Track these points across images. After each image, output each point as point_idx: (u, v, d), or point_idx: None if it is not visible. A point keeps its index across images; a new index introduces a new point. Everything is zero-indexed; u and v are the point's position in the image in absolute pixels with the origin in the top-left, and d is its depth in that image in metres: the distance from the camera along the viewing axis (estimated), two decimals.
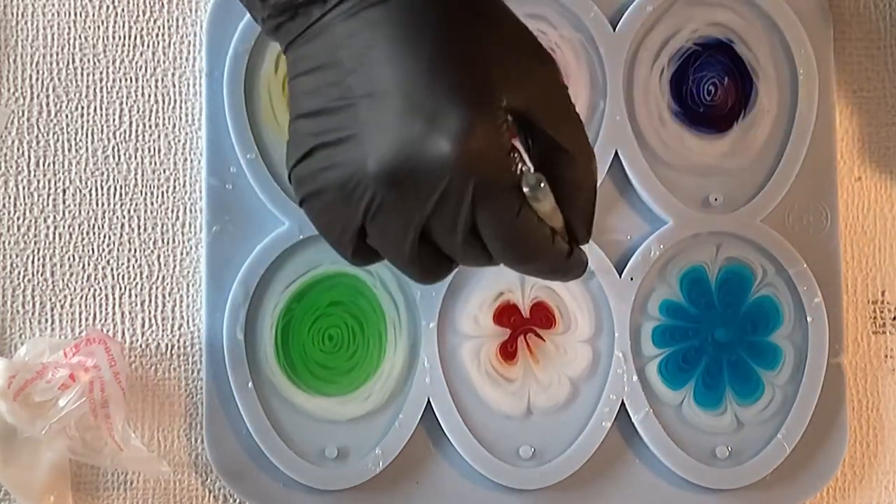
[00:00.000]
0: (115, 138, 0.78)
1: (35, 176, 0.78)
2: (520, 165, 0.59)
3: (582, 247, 0.65)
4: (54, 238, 0.77)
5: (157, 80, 0.78)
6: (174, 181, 0.78)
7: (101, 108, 0.78)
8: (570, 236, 0.63)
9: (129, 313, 0.77)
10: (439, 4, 0.59)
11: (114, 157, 0.78)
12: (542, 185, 0.59)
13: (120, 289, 0.77)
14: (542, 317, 0.78)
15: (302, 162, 0.60)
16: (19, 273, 0.77)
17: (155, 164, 0.78)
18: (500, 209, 0.59)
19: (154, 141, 0.78)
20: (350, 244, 0.61)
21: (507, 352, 0.77)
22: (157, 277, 0.77)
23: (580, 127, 0.62)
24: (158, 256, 0.78)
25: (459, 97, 0.57)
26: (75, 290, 0.77)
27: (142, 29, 0.78)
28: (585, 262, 0.64)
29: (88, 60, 0.78)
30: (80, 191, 0.78)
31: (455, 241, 0.60)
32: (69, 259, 0.77)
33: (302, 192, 0.61)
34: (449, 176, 0.57)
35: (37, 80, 0.78)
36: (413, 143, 0.57)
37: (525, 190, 0.59)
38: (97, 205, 0.78)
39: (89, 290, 0.77)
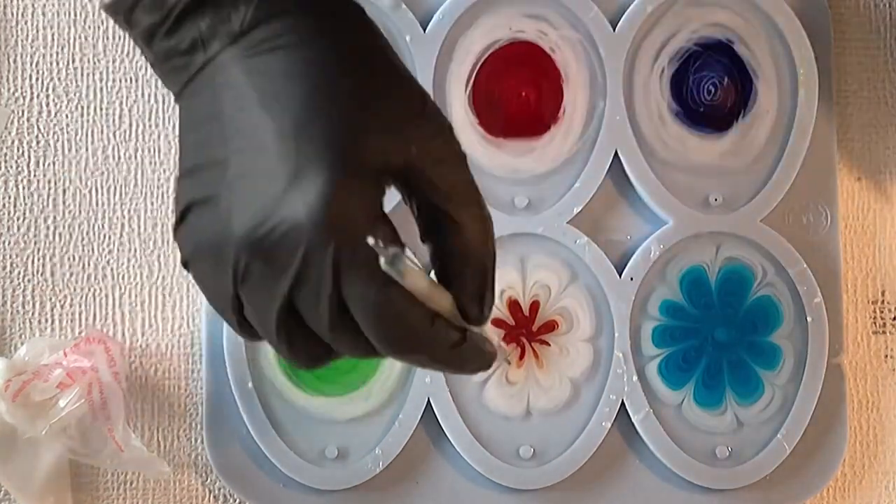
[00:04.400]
0: (115, 138, 0.78)
1: (35, 176, 0.78)
2: (378, 235, 0.53)
3: (488, 333, 0.58)
4: (54, 238, 0.77)
5: (156, 80, 0.78)
6: (174, 181, 0.78)
7: (101, 108, 0.78)
8: (463, 318, 0.56)
9: (129, 313, 0.77)
10: (319, 55, 0.54)
11: (114, 157, 0.78)
12: (400, 259, 0.52)
13: (120, 289, 0.77)
14: (545, 320, 0.78)
15: (180, 224, 0.56)
16: (19, 273, 0.77)
17: (155, 164, 0.78)
18: (361, 284, 0.53)
19: (154, 141, 0.78)
20: (232, 314, 0.55)
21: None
22: (157, 277, 0.77)
23: (472, 188, 0.56)
24: (158, 256, 0.78)
25: (324, 157, 0.52)
26: (75, 290, 0.77)
27: None
28: (487, 349, 0.57)
29: (88, 60, 0.78)
30: (80, 191, 0.78)
31: (322, 317, 0.53)
32: (69, 259, 0.77)
33: (182, 256, 0.56)
34: (305, 242, 0.52)
35: (37, 80, 0.78)
36: (272, 206, 0.52)
37: (382, 264, 0.52)
38: (97, 205, 0.78)
39: (89, 290, 0.77)
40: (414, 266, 0.54)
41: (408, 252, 0.54)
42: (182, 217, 0.56)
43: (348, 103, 0.54)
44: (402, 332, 0.54)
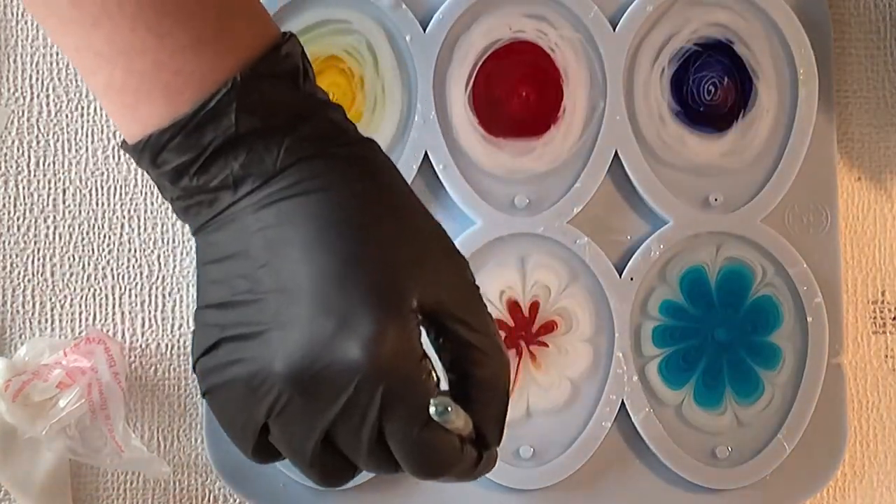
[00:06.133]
0: (115, 138, 0.78)
1: (35, 176, 0.78)
2: (432, 373, 0.57)
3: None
4: (54, 238, 0.77)
5: None
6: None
7: (101, 108, 0.78)
8: (479, 439, 0.60)
9: (129, 313, 0.77)
10: (351, 200, 0.57)
11: (114, 157, 0.78)
12: (450, 409, 0.57)
13: (120, 289, 0.77)
14: (545, 320, 0.78)
15: (207, 354, 0.58)
16: (19, 273, 0.77)
17: None
18: (407, 419, 0.56)
19: None
20: (251, 440, 0.58)
21: None
22: (157, 277, 0.77)
23: (492, 325, 0.60)
24: (158, 256, 0.78)
25: (371, 300, 0.55)
26: (75, 290, 0.77)
27: None
28: (495, 459, 0.61)
29: None
30: (80, 191, 0.78)
31: (360, 447, 0.57)
32: (69, 259, 0.77)
33: (206, 385, 0.58)
34: (357, 381, 0.55)
35: (37, 80, 0.78)
36: (322, 345, 0.55)
37: (432, 412, 0.57)
38: (97, 205, 0.78)
39: (89, 290, 0.77)
40: (458, 409, 0.57)
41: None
42: (211, 348, 0.58)
43: (383, 247, 0.57)
44: (435, 464, 0.58)
